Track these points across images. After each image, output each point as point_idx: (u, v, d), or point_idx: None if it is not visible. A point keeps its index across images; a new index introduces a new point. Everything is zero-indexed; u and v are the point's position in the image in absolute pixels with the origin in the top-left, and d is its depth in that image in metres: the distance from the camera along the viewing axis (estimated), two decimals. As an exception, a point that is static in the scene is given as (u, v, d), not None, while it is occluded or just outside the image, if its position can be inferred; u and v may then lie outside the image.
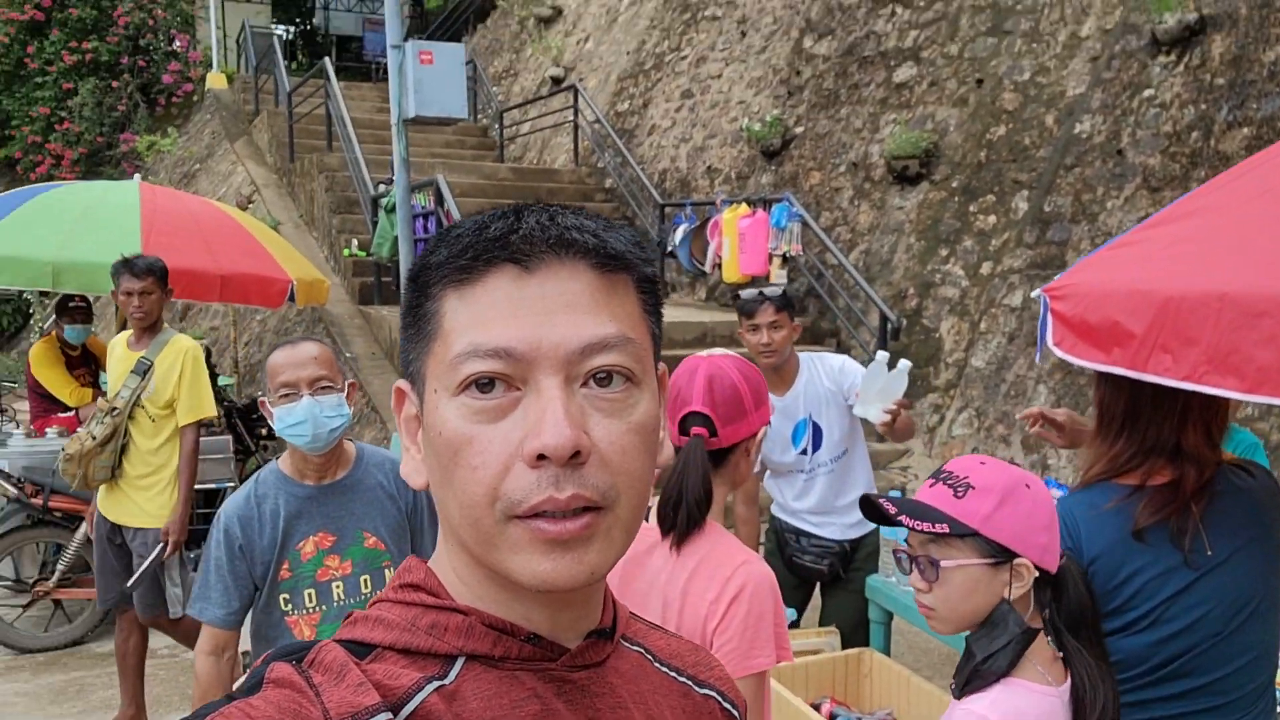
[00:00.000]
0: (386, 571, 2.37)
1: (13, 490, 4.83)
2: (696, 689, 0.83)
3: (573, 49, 13.62)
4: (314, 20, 22.60)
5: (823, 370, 3.33)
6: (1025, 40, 7.50)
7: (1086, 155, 6.74)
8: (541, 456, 0.62)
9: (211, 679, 2.27)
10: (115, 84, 17.31)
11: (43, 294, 9.19)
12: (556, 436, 0.62)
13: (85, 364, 5.92)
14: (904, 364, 3.06)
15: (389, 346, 8.17)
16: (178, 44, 17.89)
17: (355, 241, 9.73)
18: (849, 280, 7.61)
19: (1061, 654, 1.51)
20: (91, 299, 5.63)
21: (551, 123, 12.46)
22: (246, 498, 2.33)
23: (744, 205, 7.98)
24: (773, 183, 9.09)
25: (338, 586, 2.35)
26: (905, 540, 1.58)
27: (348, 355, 8.02)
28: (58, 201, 5.55)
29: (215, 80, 16.25)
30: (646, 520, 1.73)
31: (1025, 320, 6.63)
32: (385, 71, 7.95)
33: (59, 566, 4.86)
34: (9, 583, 5.04)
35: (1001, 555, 1.47)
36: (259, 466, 3.27)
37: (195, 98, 17.48)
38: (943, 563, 1.50)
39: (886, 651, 3.38)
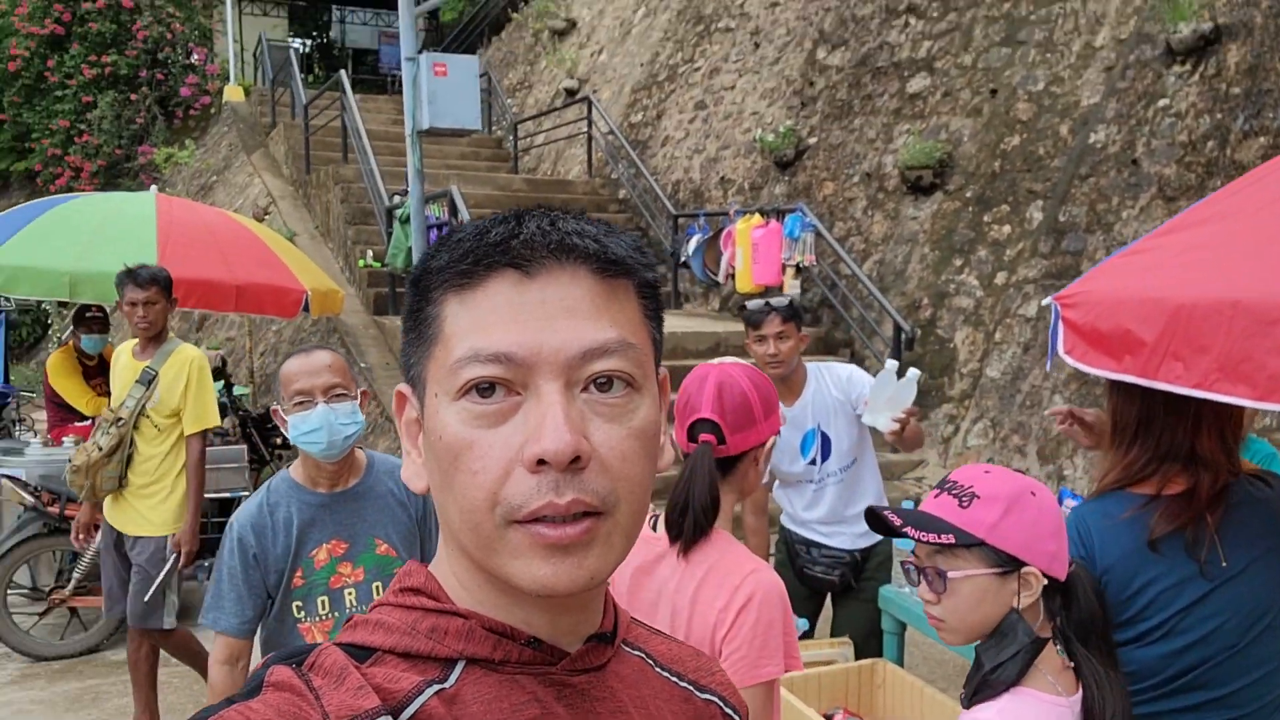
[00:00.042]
0: None
1: (30, 499, 4.87)
2: (698, 694, 0.83)
3: (587, 61, 13.67)
4: (330, 33, 22.83)
5: (830, 380, 3.33)
6: (1039, 50, 7.48)
7: (1101, 165, 6.71)
8: (542, 461, 0.62)
9: (226, 688, 2.27)
10: (134, 97, 17.53)
11: (61, 304, 9.28)
12: (556, 441, 0.62)
13: (102, 374, 5.95)
14: (913, 372, 3.05)
15: (403, 357, 8.18)
16: (195, 57, 18.08)
17: (370, 252, 9.79)
18: (863, 290, 7.60)
19: (1073, 664, 1.49)
20: (109, 309, 5.68)
21: (565, 134, 12.51)
22: (259, 506, 2.33)
23: (757, 216, 7.99)
24: (786, 193, 9.08)
25: (350, 593, 2.35)
26: (912, 551, 1.57)
27: (362, 365, 8.05)
28: (75, 213, 5.61)
29: (232, 93, 16.42)
30: (654, 530, 1.73)
31: (1040, 330, 6.59)
32: (400, 84, 8.00)
33: (75, 575, 4.88)
34: (25, 590, 5.06)
35: (1009, 564, 1.46)
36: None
37: (212, 110, 17.65)
38: (950, 574, 1.48)
39: (900, 662, 3.36)
